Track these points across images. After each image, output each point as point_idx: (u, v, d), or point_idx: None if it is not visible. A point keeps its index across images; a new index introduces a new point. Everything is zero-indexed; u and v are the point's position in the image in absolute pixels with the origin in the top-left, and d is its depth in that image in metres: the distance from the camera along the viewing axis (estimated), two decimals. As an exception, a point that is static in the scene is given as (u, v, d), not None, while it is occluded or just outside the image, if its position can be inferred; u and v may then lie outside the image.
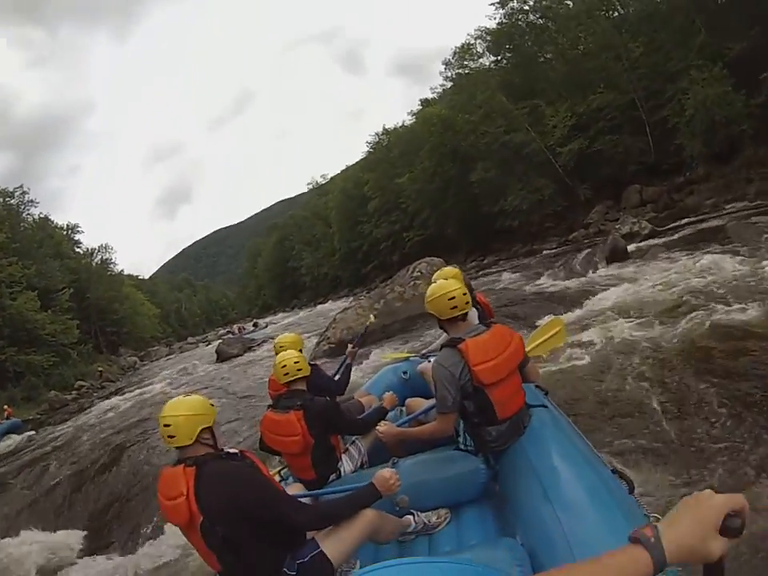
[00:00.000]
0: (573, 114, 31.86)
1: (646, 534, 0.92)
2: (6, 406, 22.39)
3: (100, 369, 38.46)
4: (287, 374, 3.52)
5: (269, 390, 4.69)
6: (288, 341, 4.49)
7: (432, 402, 3.49)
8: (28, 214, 50.07)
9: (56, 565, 5.37)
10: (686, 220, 19.31)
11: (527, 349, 3.95)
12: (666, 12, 28.75)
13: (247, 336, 29.21)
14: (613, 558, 0.93)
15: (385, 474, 2.59)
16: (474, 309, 4.02)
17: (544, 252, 26.65)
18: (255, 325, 42.20)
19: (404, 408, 4.11)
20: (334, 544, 2.40)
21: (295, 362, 3.55)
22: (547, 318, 7.20)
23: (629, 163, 29.40)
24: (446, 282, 3.19)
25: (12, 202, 47.89)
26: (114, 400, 19.21)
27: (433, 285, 3.24)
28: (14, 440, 17.45)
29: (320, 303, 58.07)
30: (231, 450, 2.47)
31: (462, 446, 3.14)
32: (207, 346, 42.18)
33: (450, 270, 4.59)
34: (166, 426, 2.34)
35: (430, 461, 3.19)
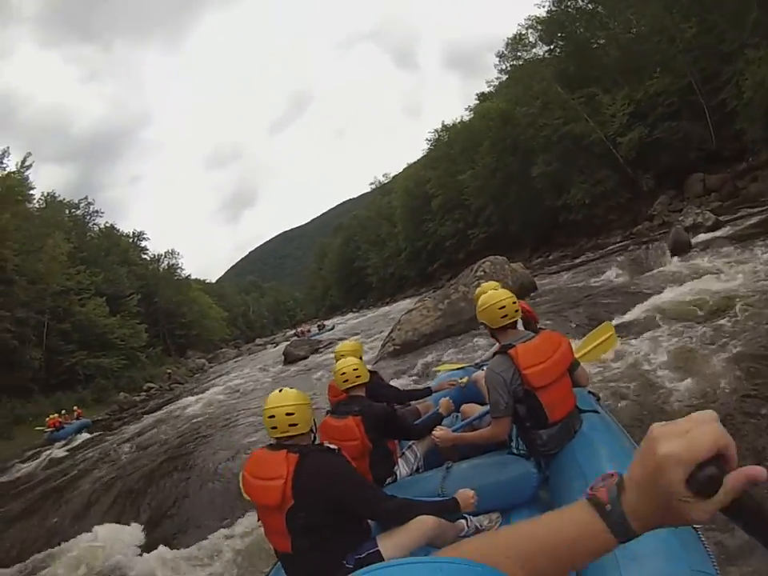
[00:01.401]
0: (630, 102, 31.19)
1: (602, 500, 0.74)
2: (75, 407, 23.92)
3: (168, 371, 39.39)
4: (346, 380, 3.66)
5: (328, 396, 4.81)
6: (348, 349, 4.61)
7: (486, 408, 3.57)
8: (94, 224, 53.23)
9: (118, 558, 5.57)
10: (750, 210, 18.63)
11: (578, 354, 4.08)
12: (716, -12, 27.50)
13: (314, 338, 29.43)
14: (561, 529, 0.76)
15: (468, 492, 2.77)
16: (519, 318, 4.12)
17: (609, 246, 26.09)
18: (320, 327, 41.95)
19: (459, 414, 4.18)
20: (392, 545, 2.53)
21: (354, 369, 3.68)
22: (601, 322, 7.10)
23: (689, 150, 28.42)
24: (496, 292, 3.34)
25: (78, 212, 50.91)
26: (182, 401, 19.74)
27: (483, 295, 3.37)
28: (83, 438, 18.80)
29: (386, 303, 57.93)
30: (331, 446, 2.66)
31: (514, 451, 3.22)
32: (275, 347, 42.25)
33: (489, 284, 4.61)
34: (288, 414, 2.52)
35: (483, 465, 3.29)
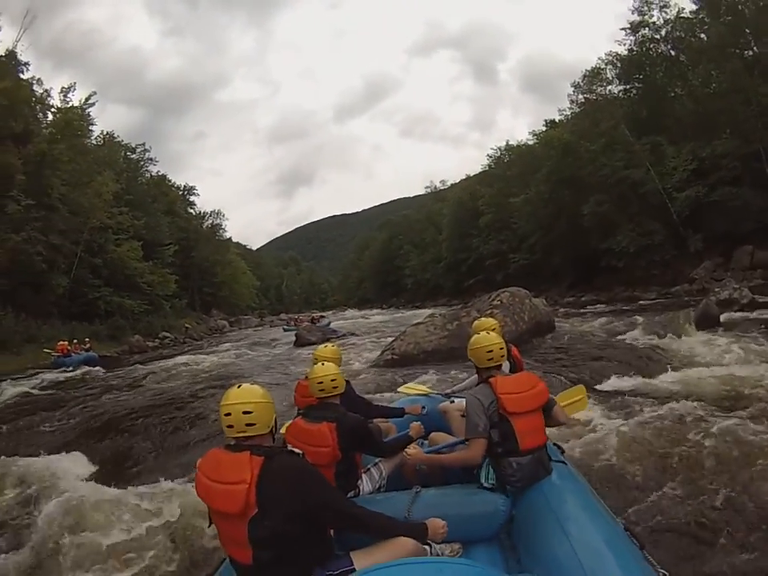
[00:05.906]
0: (695, 158, 30.50)
1: None
2: (87, 339, 24.32)
3: (187, 325, 40.12)
4: (322, 389, 3.51)
5: (296, 395, 4.62)
6: (328, 354, 4.43)
7: (456, 439, 3.67)
8: (146, 170, 54.25)
9: (61, 483, 5.55)
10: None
11: None
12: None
13: (327, 328, 28.82)
14: None
15: (439, 522, 2.68)
16: (507, 362, 4.32)
17: (641, 301, 25.69)
18: (314, 320, 36.85)
19: (426, 441, 4.09)
20: (369, 565, 2.27)
21: (332, 380, 3.52)
22: (583, 382, 7.07)
23: (746, 219, 27.40)
24: (488, 336, 3.55)
25: (133, 156, 52.03)
26: (189, 357, 20.25)
27: (476, 335, 3.59)
28: (85, 370, 19.09)
29: (417, 307, 57.08)
30: (295, 450, 2.46)
31: (484, 483, 3.20)
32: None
33: (487, 320, 4.78)
34: (246, 412, 2.29)
35: (453, 494, 3.24)
